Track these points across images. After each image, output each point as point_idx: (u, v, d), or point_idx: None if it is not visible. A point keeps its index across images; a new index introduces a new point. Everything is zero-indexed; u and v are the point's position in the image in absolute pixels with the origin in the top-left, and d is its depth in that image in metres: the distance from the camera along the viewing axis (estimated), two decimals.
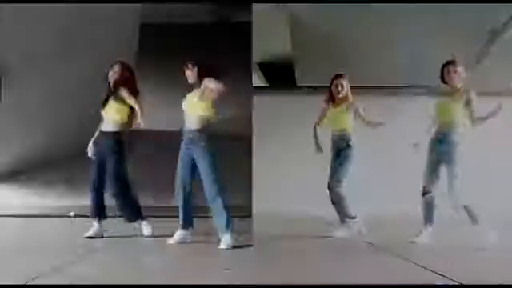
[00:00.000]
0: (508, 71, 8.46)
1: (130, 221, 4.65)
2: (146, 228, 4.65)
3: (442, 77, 4.51)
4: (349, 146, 4.81)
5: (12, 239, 4.96)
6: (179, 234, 4.30)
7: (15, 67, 7.19)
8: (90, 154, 4.64)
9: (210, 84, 4.10)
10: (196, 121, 4.19)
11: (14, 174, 7.91)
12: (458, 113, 4.39)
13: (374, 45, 8.11)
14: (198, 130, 4.17)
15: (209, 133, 4.18)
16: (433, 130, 4.52)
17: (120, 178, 4.52)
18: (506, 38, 7.61)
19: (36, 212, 6.67)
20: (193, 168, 4.23)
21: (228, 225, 4.07)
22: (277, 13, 7.84)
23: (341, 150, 4.84)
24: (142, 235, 4.61)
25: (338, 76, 4.99)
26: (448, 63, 4.49)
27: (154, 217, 5.82)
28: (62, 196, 7.21)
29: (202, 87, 4.16)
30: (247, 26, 8.34)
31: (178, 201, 4.30)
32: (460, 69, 4.45)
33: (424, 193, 4.45)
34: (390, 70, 8.06)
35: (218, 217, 4.10)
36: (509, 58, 8.11)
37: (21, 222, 6.17)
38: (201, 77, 4.20)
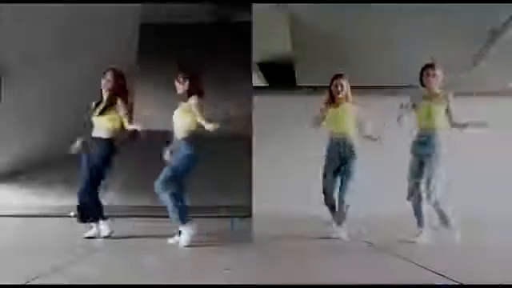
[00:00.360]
0: (506, 72, 8.46)
1: (85, 221, 4.52)
2: (104, 228, 4.53)
3: (420, 80, 4.53)
4: (352, 153, 4.68)
5: (12, 239, 4.96)
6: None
7: (15, 67, 7.19)
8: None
9: (194, 101, 4.19)
10: (182, 130, 4.25)
11: (14, 174, 7.92)
12: (438, 115, 4.40)
13: (374, 45, 8.11)
14: (184, 139, 4.23)
15: (195, 142, 4.21)
16: (414, 133, 4.52)
17: (95, 182, 4.49)
18: (505, 38, 7.61)
19: (36, 212, 6.67)
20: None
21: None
22: (277, 13, 7.83)
23: (343, 159, 4.69)
24: (100, 235, 4.51)
25: (338, 76, 4.96)
26: (427, 66, 4.50)
27: (154, 217, 5.85)
28: (61, 196, 7.22)
29: (188, 102, 4.24)
30: (247, 26, 8.35)
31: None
32: (438, 72, 4.47)
33: (409, 196, 4.44)
34: (390, 70, 8.06)
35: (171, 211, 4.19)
36: (507, 59, 8.11)
37: (21, 222, 6.17)
38: (190, 90, 4.27)
